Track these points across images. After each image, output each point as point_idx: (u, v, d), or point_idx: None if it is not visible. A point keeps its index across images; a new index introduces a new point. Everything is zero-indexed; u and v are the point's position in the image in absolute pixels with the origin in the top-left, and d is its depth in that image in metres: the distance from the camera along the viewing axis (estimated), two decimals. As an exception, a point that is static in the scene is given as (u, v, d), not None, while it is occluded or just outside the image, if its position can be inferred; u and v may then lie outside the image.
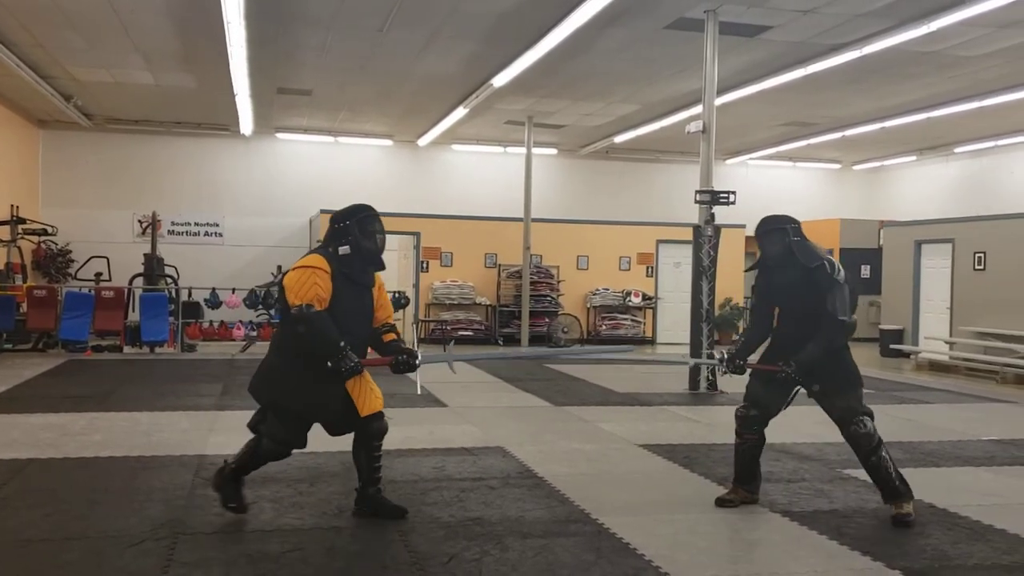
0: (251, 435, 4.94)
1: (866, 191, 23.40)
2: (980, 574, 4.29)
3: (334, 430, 4.99)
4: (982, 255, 14.91)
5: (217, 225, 19.54)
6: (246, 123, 18.27)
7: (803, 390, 5.36)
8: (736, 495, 5.44)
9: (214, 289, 15.00)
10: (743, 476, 5.47)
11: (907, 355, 15.89)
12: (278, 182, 20.03)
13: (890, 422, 8.66)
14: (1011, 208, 17.24)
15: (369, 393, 4.88)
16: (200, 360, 13.50)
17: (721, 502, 5.42)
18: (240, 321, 14.95)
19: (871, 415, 5.20)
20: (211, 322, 14.94)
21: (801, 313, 5.20)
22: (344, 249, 4.79)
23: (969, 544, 4.75)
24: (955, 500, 5.62)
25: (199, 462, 6.31)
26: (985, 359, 13.84)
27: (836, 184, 23.45)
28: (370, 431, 4.93)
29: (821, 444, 7.17)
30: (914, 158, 21.64)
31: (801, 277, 5.17)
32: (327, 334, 4.59)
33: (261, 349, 14.76)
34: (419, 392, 5.26)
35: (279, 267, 17.70)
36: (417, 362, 4.86)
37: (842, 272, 5.13)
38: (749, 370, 5.44)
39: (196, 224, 19.47)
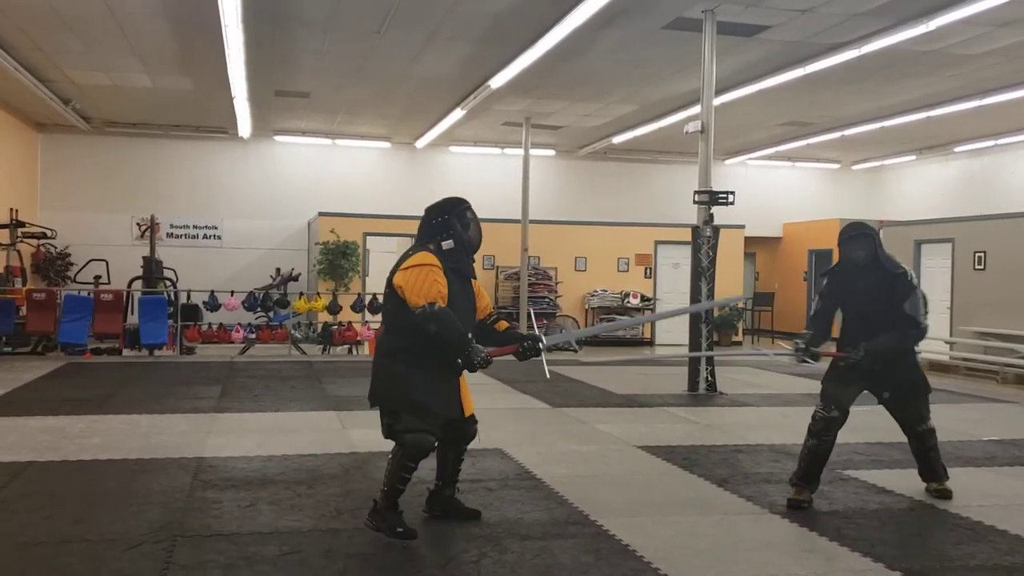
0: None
1: (865, 191, 23.39)
2: (981, 575, 4.27)
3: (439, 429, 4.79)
4: (982, 255, 14.89)
5: (216, 228, 19.53)
6: (244, 126, 18.26)
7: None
8: (807, 497, 5.47)
9: (213, 292, 14.99)
10: (813, 476, 5.52)
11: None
12: (276, 185, 20.02)
13: (889, 422, 8.60)
14: (1011, 207, 17.22)
15: (469, 394, 4.92)
16: (199, 363, 13.48)
17: (796, 504, 5.41)
18: (239, 324, 14.93)
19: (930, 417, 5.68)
20: (210, 324, 14.92)
21: (877, 317, 5.44)
22: (448, 244, 4.74)
23: (970, 545, 4.73)
24: (956, 501, 5.60)
25: (198, 464, 6.29)
26: (985, 359, 13.83)
27: (835, 184, 23.44)
28: (467, 432, 4.94)
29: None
30: (913, 157, 21.63)
31: (885, 282, 5.45)
32: (456, 330, 4.51)
33: (260, 351, 14.80)
34: (548, 377, 5.25)
35: (278, 269, 17.73)
36: (542, 346, 4.75)
37: (916, 279, 5.51)
38: (817, 359, 5.63)
39: (195, 227, 19.46)
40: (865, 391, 5.62)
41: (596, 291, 18.78)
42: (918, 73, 13.48)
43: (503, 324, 4.94)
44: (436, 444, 4.70)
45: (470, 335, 4.60)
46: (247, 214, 19.69)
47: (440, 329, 4.47)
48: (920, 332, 5.51)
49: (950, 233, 15.76)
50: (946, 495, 5.61)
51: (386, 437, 4.75)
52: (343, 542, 4.57)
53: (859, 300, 5.53)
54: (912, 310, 5.40)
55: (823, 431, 5.47)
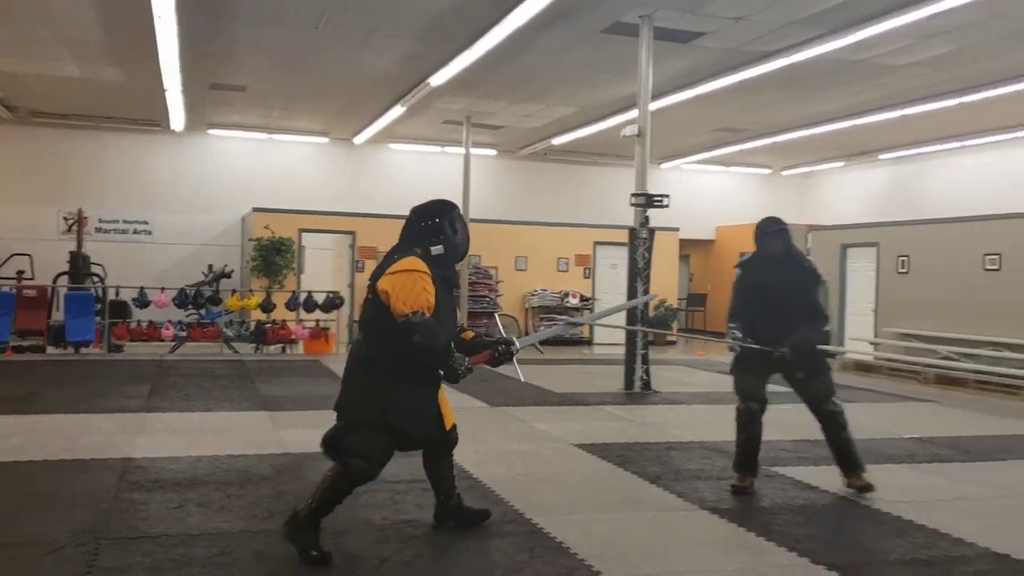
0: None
1: (795, 196, 23.93)
2: (900, 569, 4.41)
3: (411, 445, 4.62)
4: (905, 258, 15.36)
5: (146, 223, 19.09)
6: (177, 119, 17.88)
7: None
8: (749, 483, 5.85)
9: (143, 288, 14.66)
10: (750, 466, 5.90)
11: (833, 355, 16.29)
12: (210, 179, 19.66)
13: (816, 420, 8.86)
14: (933, 213, 17.78)
15: (448, 403, 4.73)
16: (127, 361, 13.18)
17: (739, 490, 5.77)
18: (169, 321, 14.63)
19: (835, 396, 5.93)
20: (139, 322, 14.59)
21: (791, 308, 5.74)
22: (438, 249, 4.46)
23: (891, 540, 4.88)
24: (878, 497, 5.77)
25: (124, 465, 6.16)
26: (907, 359, 14.26)
27: (767, 189, 23.94)
28: (451, 442, 4.80)
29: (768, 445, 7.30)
30: (841, 164, 22.21)
31: (799, 275, 5.78)
32: (440, 342, 4.28)
33: (191, 350, 14.53)
34: (522, 380, 5.15)
35: (210, 266, 17.40)
36: (515, 349, 4.58)
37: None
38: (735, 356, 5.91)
39: (125, 222, 18.99)
40: (777, 375, 5.94)
41: (536, 291, 18.87)
42: (846, 82, 13.85)
43: (469, 334, 4.77)
44: (376, 476, 4.46)
45: (452, 346, 4.40)
46: (179, 209, 19.30)
47: (424, 340, 4.20)
48: (827, 322, 5.90)
49: (875, 237, 16.22)
50: (868, 489, 5.77)
51: (328, 451, 4.48)
52: (274, 544, 4.52)
53: (774, 292, 5.76)
54: (821, 302, 5.82)
55: (748, 424, 5.85)
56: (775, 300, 5.77)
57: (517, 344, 4.64)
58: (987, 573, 4.36)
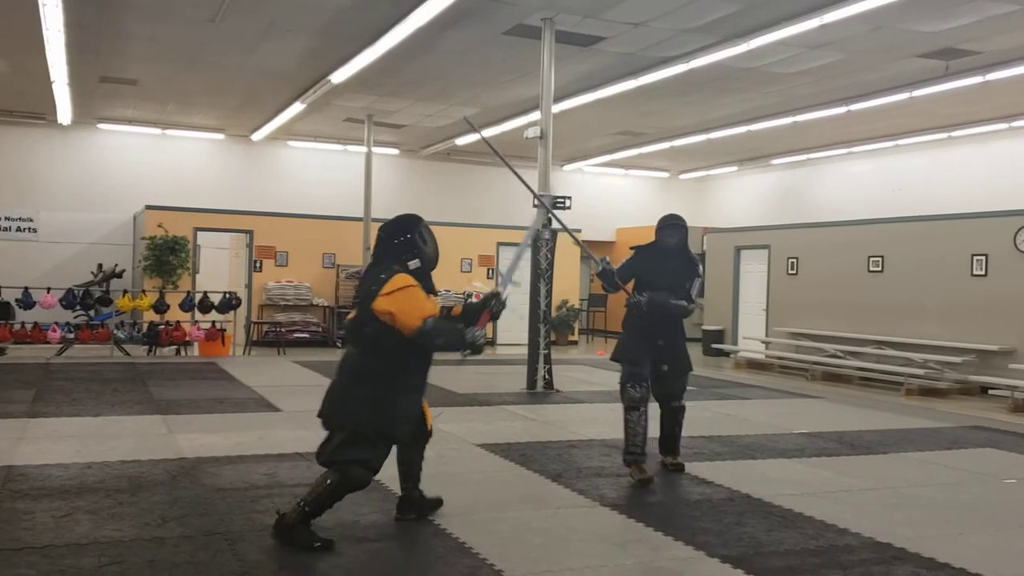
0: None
1: (692, 199, 24.56)
2: (791, 559, 4.58)
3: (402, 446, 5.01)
4: (795, 260, 15.95)
5: (31, 220, 18.25)
6: (64, 112, 17.19)
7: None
8: (647, 472, 6.15)
9: (27, 288, 14.00)
10: (639, 449, 6.19)
11: (727, 354, 16.79)
12: (100, 175, 18.96)
13: (711, 417, 9.13)
14: (821, 217, 18.53)
15: (427, 406, 5.11)
16: (10, 364, 12.57)
17: (644, 481, 6.04)
18: (56, 323, 14.02)
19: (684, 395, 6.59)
20: (23, 324, 13.93)
21: (669, 291, 6.36)
22: (415, 263, 4.69)
23: (781, 531, 5.07)
24: (769, 490, 5.99)
25: (7, 473, 5.88)
26: (797, 357, 14.82)
27: (664, 192, 24.51)
28: (426, 438, 5.16)
29: (650, 439, 7.45)
30: (735, 168, 22.92)
31: (686, 267, 6.45)
32: (457, 330, 4.68)
33: (80, 352, 13.97)
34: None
35: (100, 265, 16.78)
36: (504, 297, 4.93)
37: (703, 270, 6.66)
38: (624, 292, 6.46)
39: (7, 219, 18.11)
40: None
41: (439, 291, 18.79)
42: (739, 89, 14.30)
43: (457, 308, 5.05)
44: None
45: (460, 324, 4.79)
46: (66, 206, 18.53)
47: (446, 338, 4.61)
48: (692, 308, 6.44)
49: (766, 240, 16.80)
50: (680, 468, 6.48)
51: (324, 461, 4.62)
52: (169, 551, 4.40)
53: (663, 276, 6.38)
54: (694, 291, 6.44)
55: (634, 408, 6.22)
56: (659, 283, 6.38)
57: (502, 292, 4.96)
58: (870, 561, 4.57)
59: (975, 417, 10.08)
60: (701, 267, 6.56)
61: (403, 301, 4.49)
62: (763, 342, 16.25)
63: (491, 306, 4.88)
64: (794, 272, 15.96)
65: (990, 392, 11.84)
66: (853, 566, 4.48)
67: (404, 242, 4.71)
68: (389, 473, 6.16)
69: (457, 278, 19.11)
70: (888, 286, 14.02)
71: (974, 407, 11.09)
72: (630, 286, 6.46)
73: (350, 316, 4.83)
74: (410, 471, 5.10)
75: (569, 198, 11.23)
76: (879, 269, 14.20)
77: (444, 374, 12.25)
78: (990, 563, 4.54)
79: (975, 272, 12.68)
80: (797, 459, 7.23)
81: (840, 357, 14.19)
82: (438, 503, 5.23)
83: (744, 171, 23.07)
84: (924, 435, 8.63)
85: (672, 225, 6.51)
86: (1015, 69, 12.17)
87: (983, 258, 12.59)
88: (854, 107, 14.84)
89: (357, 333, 4.72)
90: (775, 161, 21.52)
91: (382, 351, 4.60)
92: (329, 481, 4.54)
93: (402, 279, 4.56)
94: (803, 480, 6.47)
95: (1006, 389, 11.26)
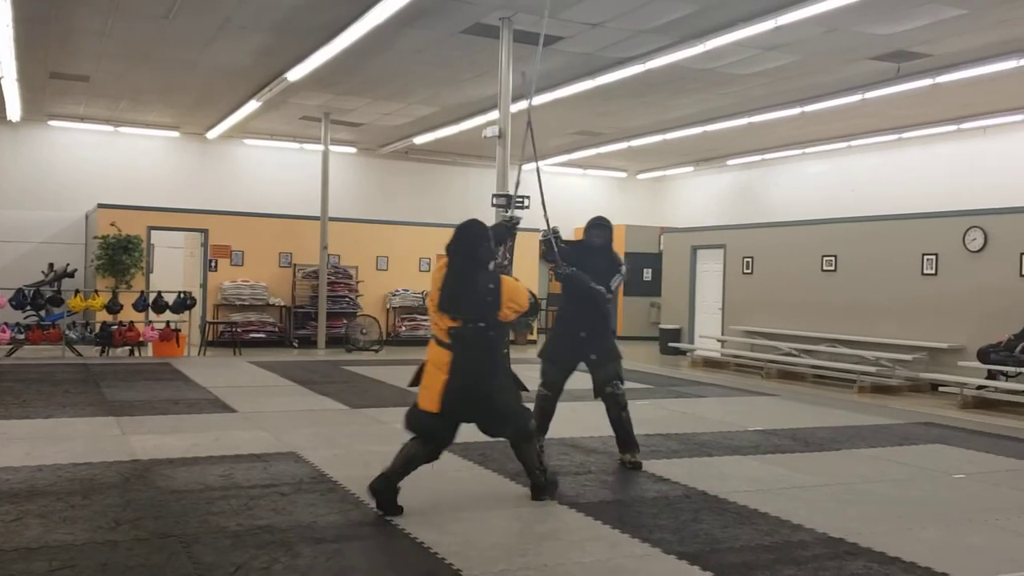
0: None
1: (649, 198, 24.76)
2: (746, 555, 4.64)
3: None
4: (750, 260, 16.15)
5: (-22, 218, 17.85)
6: (13, 108, 16.81)
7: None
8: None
9: (-27, 288, 13.71)
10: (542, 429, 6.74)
11: (684, 352, 16.94)
12: (50, 173, 18.58)
13: (667, 415, 9.21)
14: (775, 217, 18.78)
15: None
16: (-44, 366, 12.29)
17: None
18: (5, 323, 13.73)
19: (623, 382, 6.82)
20: (-30, 324, 13.63)
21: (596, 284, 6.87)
22: (492, 265, 5.70)
23: (736, 527, 5.13)
24: (725, 487, 6.06)
25: (-46, 478, 5.75)
26: (752, 356, 14.99)
27: (622, 192, 24.66)
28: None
29: (607, 437, 7.50)
30: (692, 169, 23.12)
31: (609, 264, 6.95)
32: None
33: (30, 353, 13.70)
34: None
35: (51, 265, 16.44)
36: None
37: (625, 270, 7.09)
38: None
39: (-47, 217, 17.71)
40: (580, 362, 6.90)
41: (398, 291, 18.72)
42: (696, 89, 14.43)
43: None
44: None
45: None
46: (16, 204, 18.14)
47: (537, 304, 5.70)
48: (609, 297, 6.91)
49: (722, 240, 16.98)
50: (638, 467, 6.65)
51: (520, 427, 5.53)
52: (122, 554, 4.34)
53: (588, 270, 6.89)
54: (613, 284, 6.93)
55: (543, 407, 6.84)
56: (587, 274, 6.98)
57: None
58: (823, 556, 4.64)
59: (926, 414, 10.29)
60: (624, 267, 7.05)
61: (520, 289, 5.59)
62: (719, 340, 16.42)
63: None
64: (749, 271, 16.15)
65: (940, 389, 12.09)
66: (807, 561, 4.55)
67: (486, 249, 5.67)
68: (345, 474, 6.15)
69: (416, 277, 19.03)
70: (841, 285, 14.25)
71: (925, 404, 11.32)
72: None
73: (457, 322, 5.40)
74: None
75: (528, 197, 11.24)
76: (832, 268, 14.43)
77: (399, 373, 12.19)
78: (940, 557, 4.64)
79: (926, 271, 12.94)
80: (752, 456, 7.32)
81: (794, 355, 14.39)
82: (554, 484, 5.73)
83: (701, 171, 23.29)
84: (876, 432, 8.79)
85: (598, 225, 7.21)
86: (964, 72, 12.42)
87: (933, 257, 12.85)
88: (808, 108, 15.05)
89: (487, 316, 5.42)
90: (731, 161, 21.75)
91: (503, 329, 5.68)
92: (530, 445, 5.64)
93: (510, 280, 5.64)
94: (758, 477, 6.55)
95: (955, 386, 11.50)
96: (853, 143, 18.46)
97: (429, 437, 5.31)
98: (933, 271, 12.84)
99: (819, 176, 20.21)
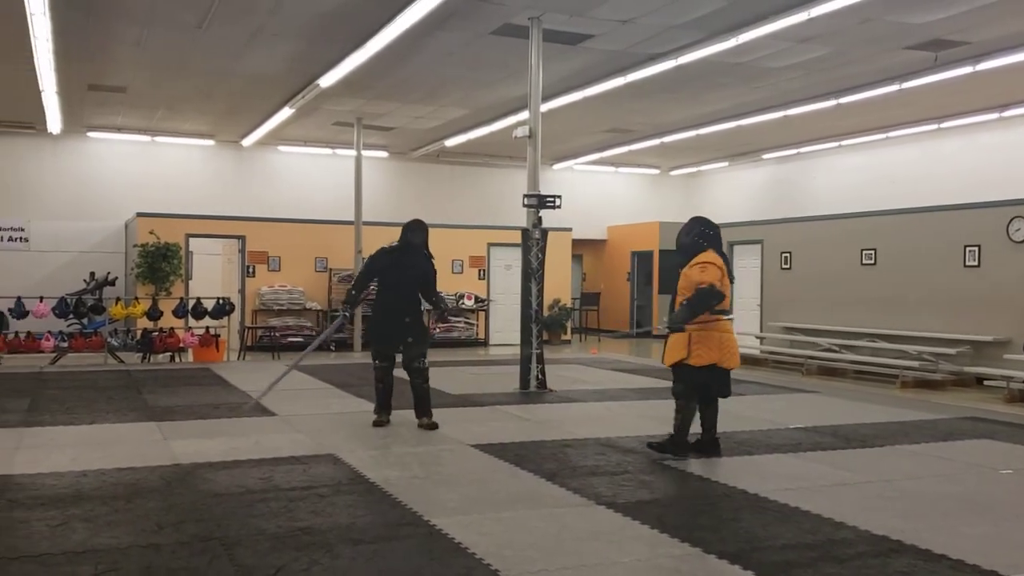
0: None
1: (683, 195, 24.58)
2: (787, 553, 4.58)
3: None
4: (788, 254, 15.98)
5: (22, 230, 18.15)
6: (54, 121, 17.13)
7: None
8: (386, 418, 8.31)
9: (19, 298, 13.96)
10: (384, 407, 8.33)
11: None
12: (90, 184, 18.92)
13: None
14: (813, 211, 18.57)
15: None
16: (4, 374, 12.52)
17: (378, 424, 8.17)
18: (49, 332, 13.98)
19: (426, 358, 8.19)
20: (16, 333, 13.89)
21: (417, 283, 8.32)
22: None
23: (778, 526, 5.07)
24: (765, 486, 5.99)
25: (3, 483, 5.86)
26: (791, 352, 14.83)
27: (655, 188, 24.51)
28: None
29: (645, 437, 7.47)
30: (726, 164, 22.93)
31: (424, 262, 8.34)
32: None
33: (74, 361, 13.92)
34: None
35: (92, 273, 16.72)
36: None
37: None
38: None
39: (-1, 228, 18.06)
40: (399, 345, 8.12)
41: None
42: (729, 84, 14.31)
43: None
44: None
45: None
46: (57, 215, 18.48)
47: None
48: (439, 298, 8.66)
49: (759, 235, 16.82)
50: (433, 427, 8.01)
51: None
52: (165, 557, 4.39)
53: (407, 271, 8.11)
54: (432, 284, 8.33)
55: (380, 379, 8.25)
56: (406, 275, 8.17)
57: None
58: (867, 554, 4.57)
59: (971, 408, 10.11)
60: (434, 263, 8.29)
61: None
62: (757, 337, 16.26)
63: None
64: (787, 267, 15.98)
65: (985, 383, 11.87)
66: (850, 559, 4.48)
67: (712, 235, 6.97)
68: (382, 474, 6.17)
69: (449, 280, 19.08)
70: (881, 279, 14.05)
71: (969, 398, 11.12)
72: None
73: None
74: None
75: (559, 197, 11.22)
76: (872, 262, 14.23)
77: (435, 374, 12.24)
78: (987, 554, 4.54)
79: (968, 263, 12.72)
80: (793, 454, 7.24)
81: (834, 351, 14.21)
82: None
83: (735, 166, 23.09)
84: (920, 427, 8.65)
85: (416, 227, 8.40)
86: (1004, 58, 12.18)
87: (976, 249, 12.62)
88: (844, 100, 14.86)
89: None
90: (766, 156, 21.54)
91: None
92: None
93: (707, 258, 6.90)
94: (799, 475, 6.47)
95: (1001, 380, 11.29)
96: (891, 134, 18.19)
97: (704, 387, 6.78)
98: (976, 263, 12.61)
99: (856, 168, 19.94)
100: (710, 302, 6.65)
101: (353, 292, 8.51)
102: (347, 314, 8.50)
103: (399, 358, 8.26)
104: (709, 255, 6.85)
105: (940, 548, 4.61)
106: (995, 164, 16.76)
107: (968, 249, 12.71)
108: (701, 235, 7.09)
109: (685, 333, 6.72)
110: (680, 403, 6.85)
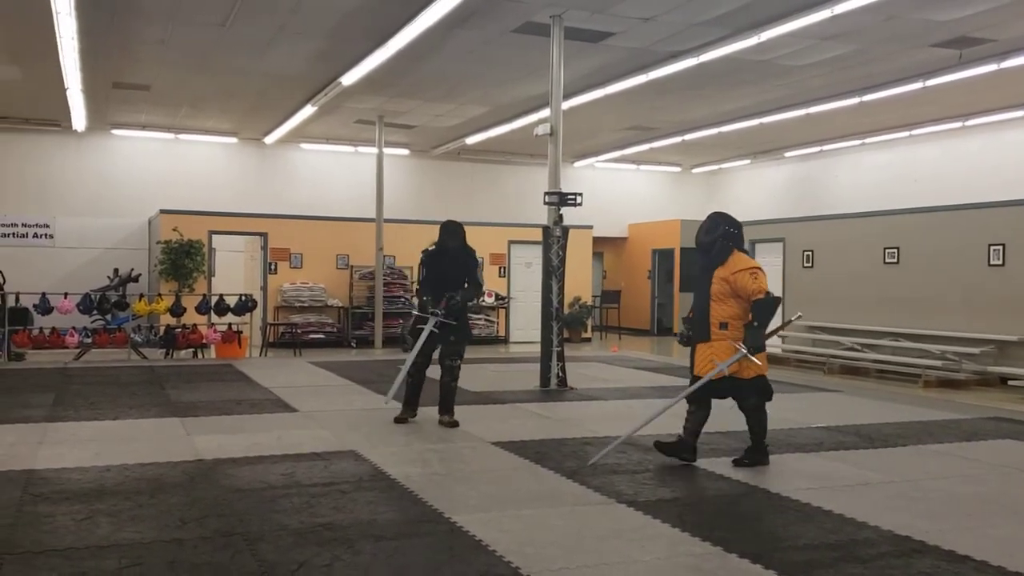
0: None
1: (704, 193, 24.47)
2: (809, 553, 4.56)
3: None
4: (810, 253, 15.88)
5: (47, 226, 18.37)
6: (79, 118, 17.30)
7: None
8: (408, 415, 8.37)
9: (44, 294, 14.12)
10: (412, 401, 8.40)
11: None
12: (114, 181, 19.08)
13: (728, 413, 9.07)
14: (836, 209, 18.44)
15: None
16: (29, 369, 12.68)
17: (401, 420, 8.26)
18: (74, 328, 14.13)
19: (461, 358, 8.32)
20: (41, 329, 14.05)
21: (458, 281, 8.35)
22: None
23: (799, 526, 5.05)
24: (787, 485, 5.97)
25: (28, 477, 5.93)
26: (814, 351, 14.74)
27: (677, 186, 24.42)
28: None
29: (666, 436, 7.44)
30: (748, 161, 22.80)
31: (466, 260, 8.46)
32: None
33: (97, 356, 14.07)
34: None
35: (116, 270, 16.89)
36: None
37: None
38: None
39: (24, 225, 18.23)
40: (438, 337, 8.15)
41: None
42: (751, 81, 14.23)
43: None
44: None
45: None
46: (82, 211, 18.66)
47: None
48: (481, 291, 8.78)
49: (781, 233, 16.72)
50: (454, 425, 8.05)
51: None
52: (188, 552, 4.43)
53: (449, 271, 8.23)
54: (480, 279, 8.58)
55: (412, 374, 8.29)
56: (448, 275, 8.29)
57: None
58: (889, 554, 4.54)
59: (994, 408, 10.01)
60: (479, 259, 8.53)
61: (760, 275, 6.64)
62: (779, 336, 16.16)
63: None
64: (810, 265, 15.89)
65: (1010, 383, 11.75)
66: (872, 560, 4.45)
67: (735, 234, 6.80)
68: (404, 471, 6.19)
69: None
70: (904, 278, 13.93)
71: (993, 398, 11.02)
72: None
73: None
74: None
75: (580, 194, 11.21)
76: (895, 261, 14.12)
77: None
78: (1012, 556, 4.50)
79: (992, 262, 12.59)
80: (815, 453, 7.20)
81: (857, 350, 14.11)
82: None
83: (757, 164, 22.96)
84: (943, 427, 8.58)
85: (452, 230, 8.31)
86: (1030, 56, 12.06)
87: (1000, 248, 12.49)
88: (867, 98, 14.73)
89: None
90: (788, 153, 21.41)
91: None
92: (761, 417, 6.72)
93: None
94: (821, 474, 6.44)
95: (1025, 379, 11.17)
96: (915, 132, 18.02)
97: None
98: (1000, 262, 12.48)
99: (879, 167, 19.77)
100: (775, 310, 6.61)
101: (426, 299, 8.34)
102: (445, 319, 8.18)
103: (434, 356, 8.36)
104: (747, 259, 6.64)
105: (964, 549, 4.58)
106: (1020, 162, 16.57)
107: (992, 248, 12.58)
108: (725, 235, 6.77)
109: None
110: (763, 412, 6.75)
